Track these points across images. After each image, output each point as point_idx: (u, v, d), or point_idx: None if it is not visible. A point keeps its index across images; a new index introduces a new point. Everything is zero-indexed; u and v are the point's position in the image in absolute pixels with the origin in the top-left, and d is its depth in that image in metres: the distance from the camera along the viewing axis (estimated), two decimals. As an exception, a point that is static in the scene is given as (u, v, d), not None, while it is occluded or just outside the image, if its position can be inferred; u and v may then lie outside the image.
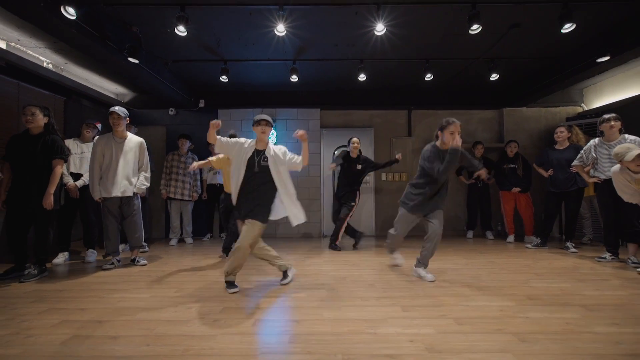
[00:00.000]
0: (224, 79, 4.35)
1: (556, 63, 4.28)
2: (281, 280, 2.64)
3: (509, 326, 1.76)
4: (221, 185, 4.15)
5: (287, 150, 2.61)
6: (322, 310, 2.02)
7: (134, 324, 1.80)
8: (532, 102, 5.27)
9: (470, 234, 5.12)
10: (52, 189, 2.84)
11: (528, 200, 4.50)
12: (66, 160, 3.01)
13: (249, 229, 2.32)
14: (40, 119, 2.90)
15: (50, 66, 4.08)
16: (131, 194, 3.21)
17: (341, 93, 5.50)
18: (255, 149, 2.49)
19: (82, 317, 1.90)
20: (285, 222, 5.07)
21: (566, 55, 4.10)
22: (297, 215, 2.53)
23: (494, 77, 4.27)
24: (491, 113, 5.54)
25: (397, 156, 4.18)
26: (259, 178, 2.42)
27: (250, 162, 2.43)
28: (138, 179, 3.29)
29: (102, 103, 5.05)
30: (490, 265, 3.21)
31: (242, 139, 2.57)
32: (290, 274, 2.68)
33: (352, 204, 4.10)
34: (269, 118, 2.52)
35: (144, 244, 4.05)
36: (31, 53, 3.82)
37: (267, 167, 2.44)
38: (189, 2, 3.00)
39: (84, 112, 4.74)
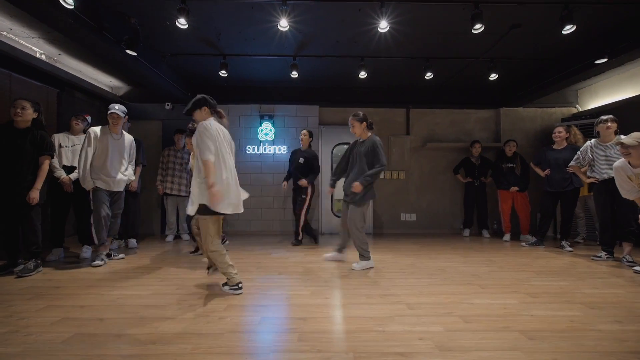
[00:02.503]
0: (223, 73, 4.28)
1: (554, 64, 4.33)
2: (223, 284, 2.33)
3: (515, 324, 1.77)
4: None
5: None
6: (327, 308, 2.01)
7: (137, 322, 1.76)
8: (528, 103, 5.32)
9: (466, 232, 5.17)
10: (39, 184, 2.79)
11: (525, 199, 4.56)
12: (53, 157, 3.01)
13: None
14: (30, 114, 2.83)
15: (43, 57, 3.95)
16: (122, 189, 3.30)
17: (340, 90, 5.48)
18: None
19: (82, 315, 1.85)
20: (281, 219, 5.03)
21: (564, 56, 4.15)
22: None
23: (493, 77, 4.30)
24: (488, 113, 5.59)
25: (300, 181, 4.19)
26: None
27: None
28: (126, 171, 3.36)
29: (97, 96, 4.93)
30: (489, 263, 3.25)
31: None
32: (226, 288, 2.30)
33: (303, 196, 4.23)
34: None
35: (134, 240, 4.07)
36: (24, 43, 3.69)
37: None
38: (191, -6, 2.94)
39: (78, 105, 4.63)
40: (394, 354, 1.45)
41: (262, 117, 5.35)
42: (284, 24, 3.06)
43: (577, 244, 4.30)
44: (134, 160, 3.48)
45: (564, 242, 3.93)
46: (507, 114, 5.45)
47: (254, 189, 5.30)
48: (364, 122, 3.16)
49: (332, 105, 5.50)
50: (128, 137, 3.39)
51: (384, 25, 3.07)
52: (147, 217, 5.14)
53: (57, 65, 4.15)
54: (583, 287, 2.45)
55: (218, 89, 5.39)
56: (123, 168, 3.30)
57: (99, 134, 3.13)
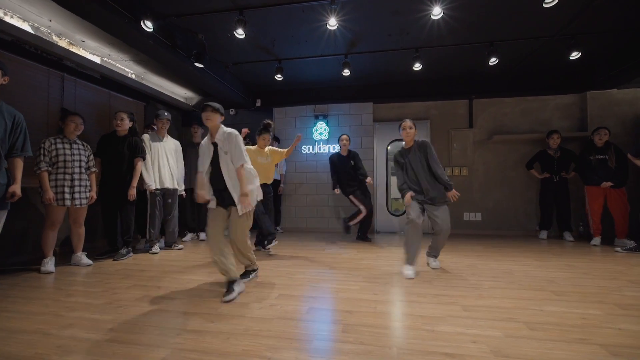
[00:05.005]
0: (278, 77, 4.51)
1: (659, 33, 3.58)
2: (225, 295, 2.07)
3: (594, 336, 1.53)
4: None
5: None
6: (375, 303, 1.99)
7: (201, 303, 1.97)
8: (624, 83, 4.49)
9: (543, 234, 4.57)
10: (135, 182, 3.30)
11: (622, 196, 3.84)
12: (145, 159, 3.47)
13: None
14: (127, 124, 3.38)
15: (133, 76, 4.66)
16: (177, 188, 3.77)
17: (395, 85, 5.32)
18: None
19: (158, 293, 2.14)
20: (337, 217, 5.08)
21: (674, 22, 3.40)
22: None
23: (575, 55, 3.72)
24: (571, 98, 4.86)
25: (367, 180, 4.10)
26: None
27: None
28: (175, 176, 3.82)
29: (174, 107, 5.62)
30: (568, 268, 2.83)
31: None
32: (237, 288, 2.13)
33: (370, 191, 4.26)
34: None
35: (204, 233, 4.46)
36: (119, 66, 4.40)
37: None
38: (247, 6, 3.17)
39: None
40: (440, 354, 1.37)
41: (316, 117, 5.49)
42: (332, 23, 3.11)
43: (697, 252, 3.49)
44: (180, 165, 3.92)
45: (675, 249, 3.22)
46: (596, 97, 4.68)
47: (310, 187, 5.47)
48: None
49: (386, 101, 5.38)
50: (173, 141, 3.89)
51: (437, 12, 2.91)
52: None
53: (144, 82, 4.85)
54: (698, 302, 1.99)
55: (275, 92, 5.69)
56: (173, 169, 3.77)
57: (150, 139, 3.68)
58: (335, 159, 4.34)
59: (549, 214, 4.53)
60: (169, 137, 3.88)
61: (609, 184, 3.84)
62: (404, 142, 2.86)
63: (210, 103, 2.19)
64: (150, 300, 2.01)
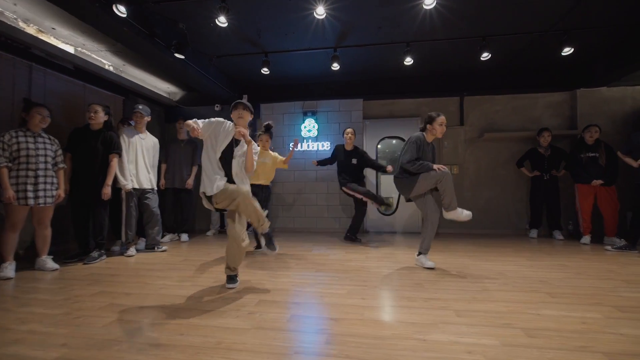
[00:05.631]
0: (265, 71, 4.33)
1: (650, 30, 3.55)
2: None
3: (597, 343, 1.42)
4: None
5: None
6: (363, 309, 1.85)
7: (172, 312, 1.79)
8: (614, 81, 4.47)
9: (533, 233, 4.53)
10: (109, 180, 3.07)
11: (612, 194, 3.82)
12: (120, 155, 3.24)
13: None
14: (102, 117, 3.14)
15: (110, 68, 4.41)
16: (154, 188, 3.56)
17: (385, 81, 5.20)
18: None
19: (126, 302, 1.95)
20: (325, 216, 4.94)
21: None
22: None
23: (567, 51, 3.66)
24: (561, 96, 4.83)
25: (387, 168, 3.92)
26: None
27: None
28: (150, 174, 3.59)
29: (156, 101, 5.37)
30: (561, 268, 2.75)
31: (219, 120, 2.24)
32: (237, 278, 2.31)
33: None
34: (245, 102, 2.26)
35: (186, 235, 4.29)
36: (95, 56, 4.14)
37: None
38: (229, -8, 2.99)
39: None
40: (434, 368, 1.24)
41: (305, 114, 5.32)
42: (320, 12, 2.96)
43: (686, 250, 3.47)
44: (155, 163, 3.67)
45: (666, 247, 3.19)
46: (586, 95, 4.65)
47: (298, 185, 5.31)
48: None
49: (377, 97, 5.26)
50: (152, 138, 3.66)
51: (429, 1, 2.78)
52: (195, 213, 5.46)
53: (123, 75, 4.59)
54: (697, 303, 1.92)
55: (262, 88, 5.51)
56: (150, 166, 3.55)
57: (128, 135, 3.44)
58: (339, 149, 4.21)
59: (539, 212, 4.49)
60: (148, 133, 3.65)
61: (600, 182, 3.80)
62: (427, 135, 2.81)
63: (241, 101, 2.22)
64: (115, 310, 1.82)
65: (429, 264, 2.74)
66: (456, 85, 5.02)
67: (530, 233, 4.56)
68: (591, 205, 3.94)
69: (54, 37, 3.61)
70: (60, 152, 2.86)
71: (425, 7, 2.90)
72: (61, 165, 2.83)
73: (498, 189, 4.93)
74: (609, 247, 3.57)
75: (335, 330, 1.57)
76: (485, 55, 3.79)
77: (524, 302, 1.95)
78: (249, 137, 2.17)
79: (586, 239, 3.97)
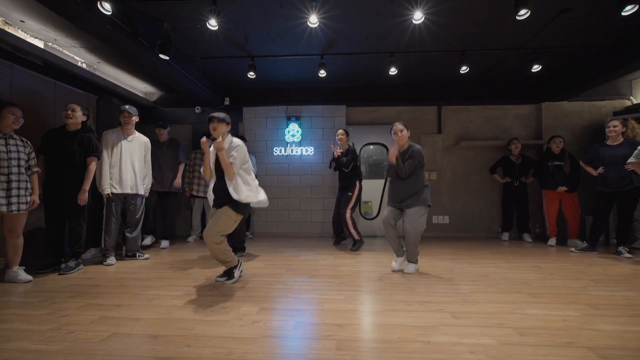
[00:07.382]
0: (251, 75, 4.30)
1: (605, 52, 3.96)
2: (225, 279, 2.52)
3: (580, 339, 1.57)
4: None
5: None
6: (364, 314, 1.90)
7: (171, 323, 1.73)
8: (574, 96, 4.92)
9: (505, 235, 4.83)
10: (87, 185, 2.89)
11: (575, 200, 4.19)
12: (99, 158, 3.06)
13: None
14: (79, 117, 2.96)
15: (84, 65, 4.16)
16: (139, 193, 3.36)
17: (368, 89, 5.35)
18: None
19: (119, 314, 1.85)
20: (309, 221, 4.94)
21: (618, 43, 3.78)
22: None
23: (536, 68, 3.99)
24: (528, 108, 5.22)
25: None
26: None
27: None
28: (145, 178, 3.46)
29: (132, 102, 5.12)
30: (536, 269, 2.98)
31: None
32: (237, 272, 2.57)
33: (349, 193, 3.96)
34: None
35: (167, 241, 4.11)
36: (67, 53, 3.90)
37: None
38: (221, -5, 2.95)
39: (115, 111, 4.82)
40: (444, 369, 1.31)
41: (289, 119, 5.32)
42: (313, 20, 3.00)
43: (636, 250, 3.88)
44: (148, 165, 3.52)
45: (621, 248, 3.54)
46: (550, 109, 5.06)
47: (281, 190, 5.28)
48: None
49: (359, 104, 5.38)
50: (142, 138, 3.46)
51: (418, 17, 2.93)
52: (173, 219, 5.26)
53: (97, 73, 4.35)
54: (654, 298, 2.16)
55: (246, 91, 5.45)
56: (138, 170, 3.35)
57: (113, 137, 3.26)
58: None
59: (510, 216, 4.80)
60: (137, 133, 3.43)
61: (564, 188, 4.15)
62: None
63: (215, 114, 2.39)
64: (109, 324, 1.72)
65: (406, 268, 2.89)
66: (435, 94, 5.27)
67: (502, 236, 4.87)
68: (557, 210, 4.29)
69: (22, 31, 3.37)
70: (33, 154, 2.65)
71: (414, 22, 3.04)
72: (35, 169, 2.63)
73: (473, 194, 5.22)
74: (572, 249, 3.90)
75: (343, 336, 1.60)
76: (464, 69, 4.02)
77: (510, 302, 2.09)
78: (219, 145, 2.33)
79: (552, 241, 4.31)
